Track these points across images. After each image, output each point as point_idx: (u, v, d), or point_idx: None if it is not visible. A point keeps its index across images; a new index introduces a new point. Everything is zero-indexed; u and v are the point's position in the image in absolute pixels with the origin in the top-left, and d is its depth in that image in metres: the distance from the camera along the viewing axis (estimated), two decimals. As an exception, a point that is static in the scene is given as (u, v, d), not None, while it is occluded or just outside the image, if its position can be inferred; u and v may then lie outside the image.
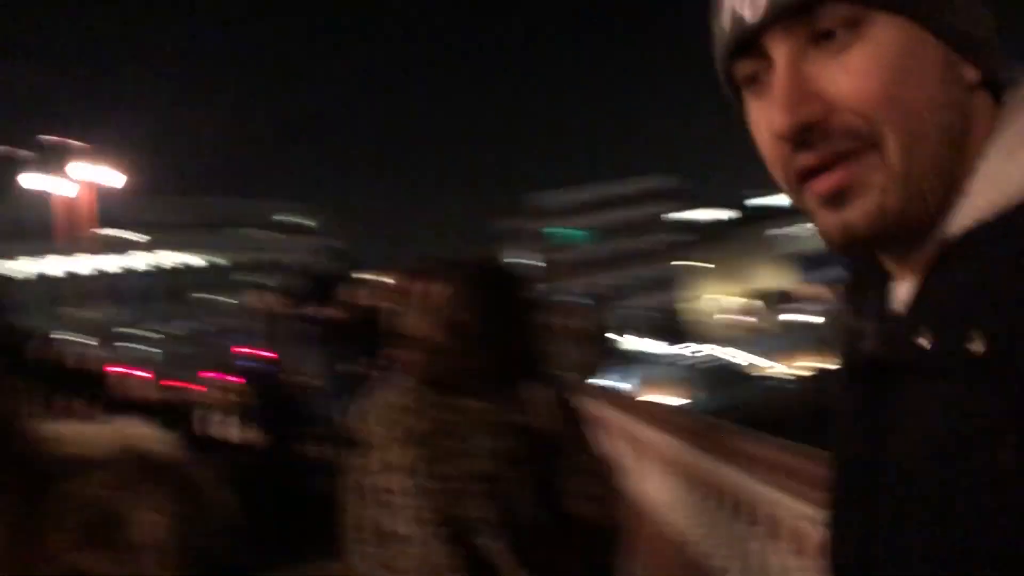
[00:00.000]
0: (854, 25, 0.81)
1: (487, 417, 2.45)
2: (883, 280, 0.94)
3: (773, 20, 0.84)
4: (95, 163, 28.80)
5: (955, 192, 0.83)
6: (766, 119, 0.87)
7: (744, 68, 0.91)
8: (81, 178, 28.60)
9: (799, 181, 0.86)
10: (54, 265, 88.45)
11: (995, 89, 0.88)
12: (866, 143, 0.81)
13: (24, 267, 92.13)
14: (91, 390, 9.61)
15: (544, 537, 2.45)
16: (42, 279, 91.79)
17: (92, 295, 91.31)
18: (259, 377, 9.85)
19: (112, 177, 28.79)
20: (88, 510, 1.09)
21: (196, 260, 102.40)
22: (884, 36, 0.81)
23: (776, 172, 0.91)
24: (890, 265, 0.92)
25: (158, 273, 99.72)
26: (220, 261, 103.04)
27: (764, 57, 0.87)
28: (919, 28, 0.82)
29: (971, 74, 0.85)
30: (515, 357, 2.53)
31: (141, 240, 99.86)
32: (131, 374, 11.85)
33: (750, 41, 0.88)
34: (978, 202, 0.79)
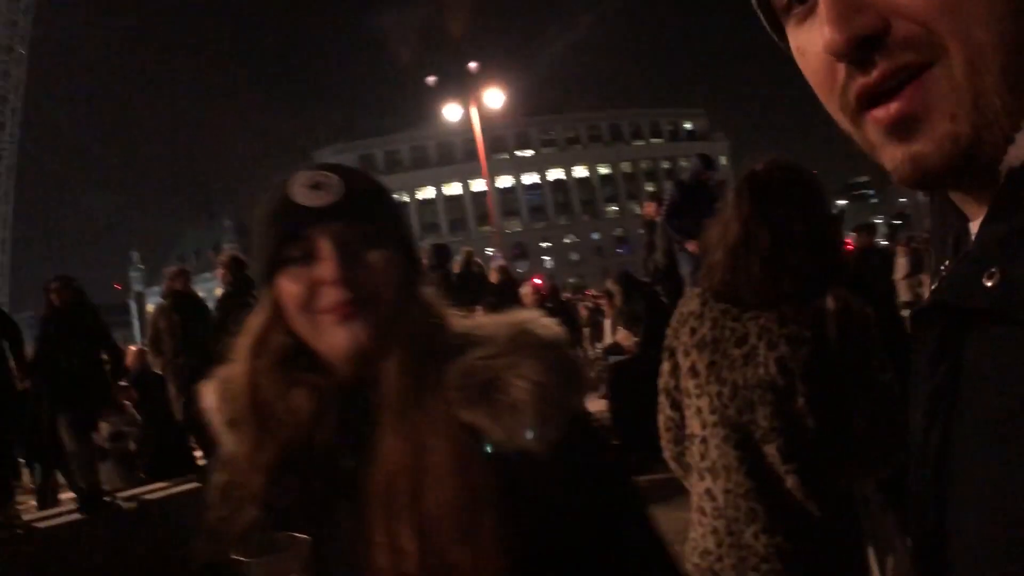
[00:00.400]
0: None
1: (774, 328, 2.47)
2: (963, 219, 0.85)
3: None
4: (498, 87, 30.16)
5: None
6: (815, 43, 0.79)
7: None
8: (493, 104, 30.24)
9: (859, 109, 0.78)
10: (477, 185, 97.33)
11: None
12: (930, 55, 0.72)
13: (453, 189, 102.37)
14: (503, 297, 10.72)
15: (827, 451, 2.44)
16: (467, 198, 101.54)
17: (504, 211, 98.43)
18: (632, 284, 10.18)
19: (498, 100, 30.14)
20: (476, 375, 1.28)
21: (588, 173, 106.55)
22: None
23: (832, 103, 0.82)
24: (966, 202, 0.84)
25: (554, 187, 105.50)
26: (619, 171, 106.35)
27: None
28: None
29: None
30: (805, 269, 2.47)
31: (538, 156, 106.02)
32: (533, 283, 12.74)
33: None
34: None
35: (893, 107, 0.74)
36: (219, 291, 8.67)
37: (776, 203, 2.51)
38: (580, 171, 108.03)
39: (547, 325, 1.38)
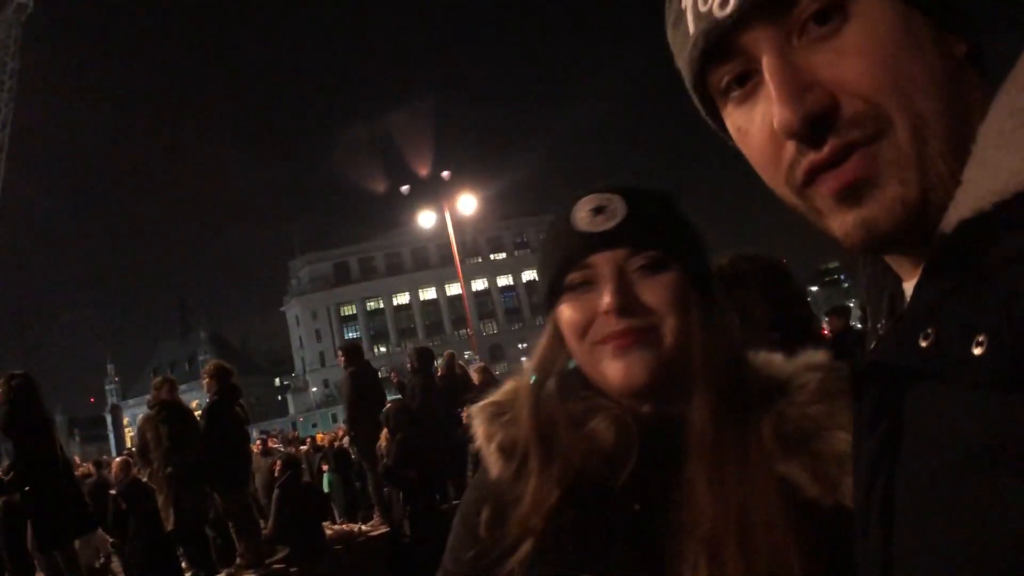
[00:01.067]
0: (839, 7, 0.76)
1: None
2: (898, 280, 0.88)
3: (751, 11, 0.78)
4: (470, 193, 30.63)
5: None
6: (757, 123, 0.82)
7: (720, 74, 0.84)
8: (466, 210, 30.71)
9: (806, 183, 0.80)
10: (452, 289, 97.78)
11: (981, 63, 0.81)
12: (876, 130, 0.75)
13: (428, 294, 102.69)
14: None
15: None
16: (442, 302, 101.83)
17: (480, 314, 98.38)
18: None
19: (470, 205, 30.56)
20: (792, 424, 1.18)
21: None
22: (873, 15, 0.76)
23: (776, 178, 0.84)
24: (900, 264, 0.87)
25: (529, 289, 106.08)
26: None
27: (744, 56, 0.81)
28: (904, 3, 0.76)
29: (960, 48, 0.79)
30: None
31: (512, 259, 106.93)
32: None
33: (725, 41, 0.81)
34: (976, 191, 0.72)
35: (843, 175, 0.76)
36: (195, 403, 8.71)
37: (743, 291, 2.50)
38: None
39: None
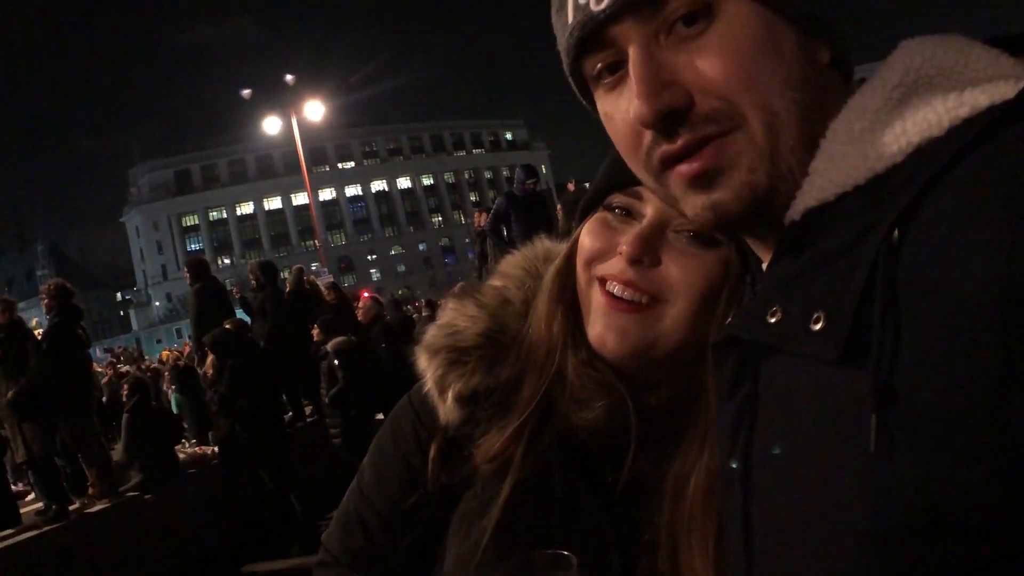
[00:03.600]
0: (707, 11, 0.81)
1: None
2: (758, 262, 0.95)
3: (623, 8, 0.83)
4: (318, 100, 29.73)
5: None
6: (622, 110, 0.87)
7: (593, 62, 0.89)
8: (313, 116, 29.85)
9: (661, 169, 0.86)
10: (299, 199, 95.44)
11: (845, 69, 0.89)
12: (730, 126, 0.81)
13: (274, 204, 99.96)
14: (338, 313, 10.66)
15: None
16: (288, 212, 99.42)
17: (328, 224, 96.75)
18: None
19: (319, 112, 29.75)
20: None
21: (411, 184, 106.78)
22: (737, 20, 0.81)
23: (635, 162, 0.90)
24: (759, 247, 0.93)
25: (378, 199, 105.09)
26: (442, 181, 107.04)
27: (614, 48, 0.86)
28: (770, 11, 0.82)
29: (824, 54, 0.86)
30: None
31: (361, 168, 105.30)
32: (365, 295, 12.69)
33: (599, 32, 0.86)
34: (820, 182, 0.79)
35: (696, 164, 0.83)
36: (35, 321, 8.24)
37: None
38: (403, 182, 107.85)
39: None
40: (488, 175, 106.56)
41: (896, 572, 0.67)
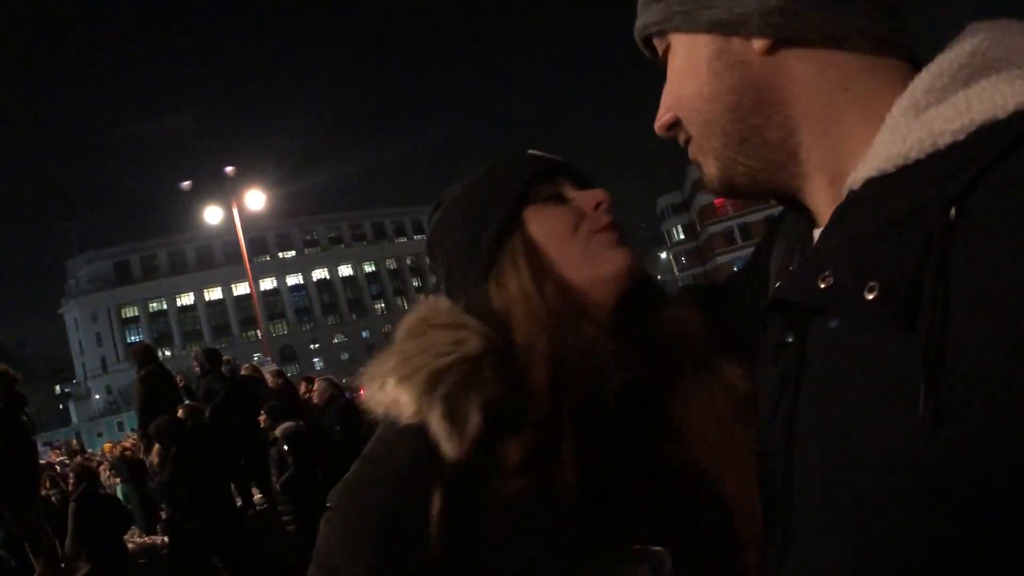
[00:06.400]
0: (669, 48, 1.00)
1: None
2: (810, 227, 0.99)
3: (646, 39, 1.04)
4: (259, 189, 29.64)
5: (824, 146, 0.90)
6: None
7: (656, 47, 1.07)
8: (254, 206, 29.77)
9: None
10: (242, 289, 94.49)
11: (817, 41, 0.89)
12: (687, 133, 1.00)
13: (214, 294, 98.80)
14: (284, 399, 10.56)
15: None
16: (229, 302, 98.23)
17: (269, 314, 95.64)
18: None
19: (260, 201, 29.70)
20: None
21: (353, 271, 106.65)
22: (677, 52, 0.98)
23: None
24: (817, 215, 0.96)
25: (319, 287, 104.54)
26: (384, 268, 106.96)
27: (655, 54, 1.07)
28: (689, 35, 0.95)
29: (757, 44, 0.90)
30: None
31: (301, 257, 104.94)
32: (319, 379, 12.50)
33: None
34: (880, 153, 0.81)
35: (689, 153, 1.04)
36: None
37: None
38: (345, 270, 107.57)
39: None
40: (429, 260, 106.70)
41: (938, 541, 0.69)
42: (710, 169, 0.99)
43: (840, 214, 0.85)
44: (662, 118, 1.02)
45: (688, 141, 1.01)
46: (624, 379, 1.12)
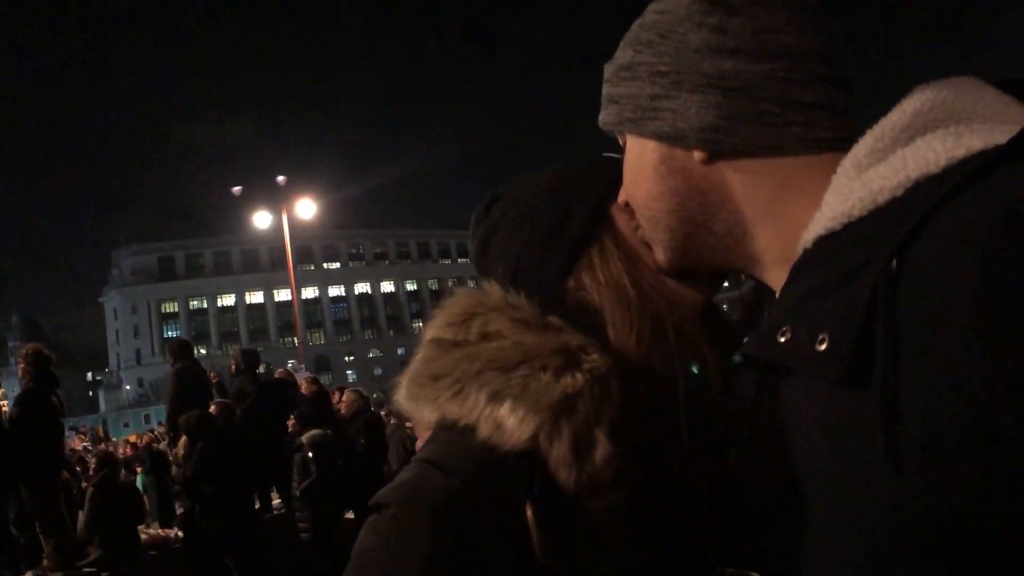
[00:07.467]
0: (626, 145, 1.07)
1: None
2: (772, 292, 1.03)
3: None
4: (309, 199, 30.11)
5: (765, 225, 0.96)
6: None
7: None
8: (304, 214, 30.16)
9: None
10: (283, 295, 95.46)
11: (732, 154, 0.96)
12: (637, 218, 1.09)
13: (256, 298, 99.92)
14: (316, 407, 10.55)
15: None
16: (270, 307, 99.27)
17: (308, 323, 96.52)
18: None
19: (310, 210, 30.06)
20: None
21: (395, 288, 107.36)
22: (630, 150, 1.06)
23: None
24: (771, 279, 1.01)
25: (360, 301, 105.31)
26: (425, 287, 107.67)
27: None
28: (638, 139, 1.03)
29: (697, 155, 0.97)
30: None
31: (345, 270, 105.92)
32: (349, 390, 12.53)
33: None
34: (828, 212, 0.85)
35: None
36: (1, 392, 8.04)
37: None
38: (387, 286, 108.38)
39: None
40: (471, 284, 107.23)
41: None
42: (659, 255, 1.08)
43: (795, 272, 0.90)
44: (621, 198, 1.12)
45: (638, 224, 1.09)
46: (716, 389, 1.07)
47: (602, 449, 0.97)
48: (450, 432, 1.02)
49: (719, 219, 0.99)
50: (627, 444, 0.98)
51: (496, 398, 0.98)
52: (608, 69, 1.08)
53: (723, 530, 1.01)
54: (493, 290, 1.13)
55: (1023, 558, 0.65)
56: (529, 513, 0.95)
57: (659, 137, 1.00)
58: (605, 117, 1.09)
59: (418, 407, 1.06)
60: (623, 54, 1.05)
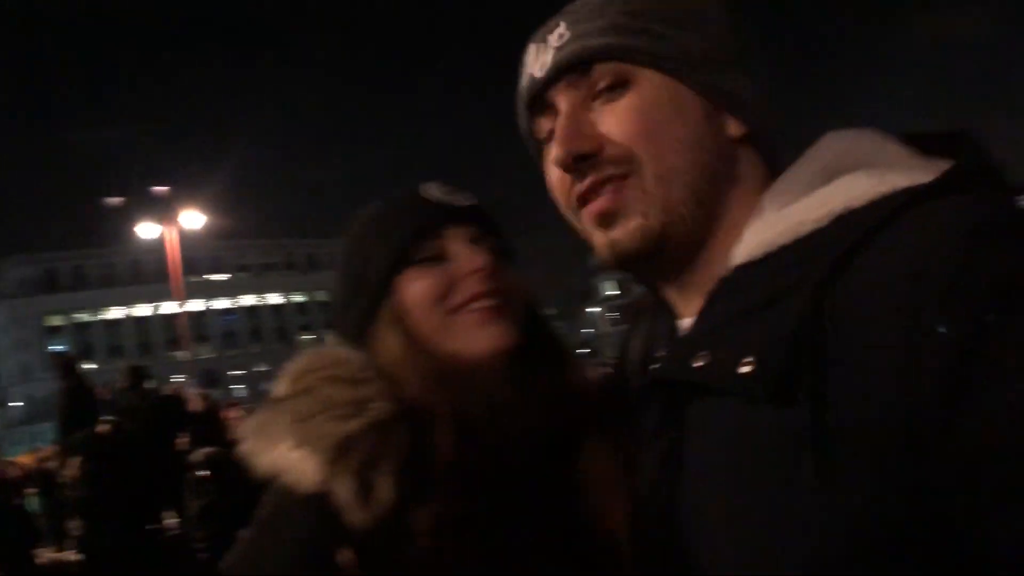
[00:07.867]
0: (625, 81, 0.96)
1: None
2: (674, 317, 1.03)
3: (557, 77, 0.99)
4: (196, 210, 29.28)
5: (726, 231, 0.94)
6: (551, 159, 1.01)
7: (543, 125, 1.04)
8: (190, 224, 29.38)
9: (578, 207, 0.99)
10: (169, 307, 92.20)
11: (767, 145, 0.99)
12: (627, 169, 0.94)
13: (142, 311, 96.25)
14: (206, 424, 10.41)
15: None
16: (156, 320, 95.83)
17: (195, 336, 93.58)
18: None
19: (197, 221, 29.34)
20: None
21: (283, 300, 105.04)
22: (646, 89, 0.95)
23: (561, 203, 1.03)
24: (673, 295, 1.02)
25: (251, 313, 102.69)
26: (314, 299, 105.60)
27: (555, 112, 1.01)
28: (678, 84, 0.95)
29: (734, 128, 0.96)
30: None
31: (234, 282, 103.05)
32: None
33: (542, 96, 1.02)
34: (750, 241, 0.87)
35: (598, 205, 0.96)
36: None
37: None
38: (274, 298, 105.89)
39: None
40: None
41: None
42: (639, 220, 0.94)
43: (712, 299, 0.91)
44: (581, 147, 0.95)
45: (601, 182, 0.96)
46: (526, 426, 1.14)
47: (385, 491, 1.02)
48: (278, 492, 1.12)
49: (723, 201, 0.96)
50: (433, 493, 1.04)
51: (297, 446, 1.08)
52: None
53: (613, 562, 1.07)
54: (330, 347, 1.23)
55: (955, 561, 0.68)
56: (344, 562, 1.01)
57: (719, 96, 0.96)
58: (632, 41, 0.96)
59: (254, 460, 1.14)
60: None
